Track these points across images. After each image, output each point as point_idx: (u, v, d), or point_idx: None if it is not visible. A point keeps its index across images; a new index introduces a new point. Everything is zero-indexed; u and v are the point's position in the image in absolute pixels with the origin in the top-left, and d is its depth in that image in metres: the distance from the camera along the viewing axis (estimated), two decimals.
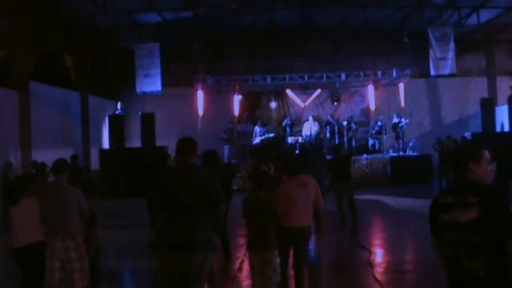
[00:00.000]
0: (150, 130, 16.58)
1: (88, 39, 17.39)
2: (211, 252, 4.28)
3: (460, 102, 20.76)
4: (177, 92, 19.12)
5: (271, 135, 18.72)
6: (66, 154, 11.78)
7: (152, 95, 17.48)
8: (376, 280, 6.30)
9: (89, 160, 17.54)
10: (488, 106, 17.30)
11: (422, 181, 16.27)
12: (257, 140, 18.63)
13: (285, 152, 16.72)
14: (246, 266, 6.43)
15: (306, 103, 19.97)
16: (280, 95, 20.18)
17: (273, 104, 20.28)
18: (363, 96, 19.93)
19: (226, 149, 18.32)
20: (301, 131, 18.92)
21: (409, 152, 18.35)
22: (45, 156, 11.35)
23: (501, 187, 9.17)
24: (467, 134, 16.42)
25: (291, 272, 5.35)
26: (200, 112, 18.39)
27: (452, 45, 17.00)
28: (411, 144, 18.74)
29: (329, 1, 16.62)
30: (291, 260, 5.36)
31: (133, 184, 13.81)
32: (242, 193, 6.80)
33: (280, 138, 18.77)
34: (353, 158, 14.26)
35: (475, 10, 16.77)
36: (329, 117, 19.16)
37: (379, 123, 18.56)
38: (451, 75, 17.58)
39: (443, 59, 17.02)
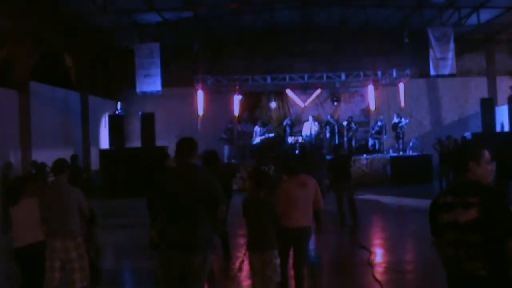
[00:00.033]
0: (150, 130, 16.55)
1: (88, 39, 17.40)
2: (211, 252, 4.28)
3: (460, 102, 20.75)
4: (177, 92, 19.11)
5: (271, 135, 18.70)
6: (66, 154, 11.78)
7: (152, 95, 17.48)
8: (376, 280, 6.30)
9: (89, 160, 17.54)
10: (488, 106, 17.29)
11: (422, 181, 16.24)
12: (257, 140, 18.61)
13: (285, 152, 16.69)
14: (246, 266, 6.44)
15: (306, 103, 19.96)
16: (280, 95, 20.17)
17: (273, 104, 20.27)
18: (363, 96, 19.92)
19: (226, 149, 18.30)
20: (301, 131, 18.90)
21: (409, 152, 18.34)
22: (45, 156, 11.35)
23: (501, 187, 9.15)
24: (467, 134, 16.42)
25: (291, 272, 5.35)
26: (200, 112, 18.38)
27: (452, 45, 17.00)
28: (411, 144, 18.72)
29: (329, 1, 16.62)
30: (291, 260, 5.36)
31: (133, 184, 13.82)
32: (242, 193, 6.81)
33: (280, 138, 18.75)
34: (353, 158, 14.26)
35: (475, 10, 16.77)
36: (329, 117, 19.16)
37: (379, 123, 18.55)
38: (451, 75, 17.57)
39: (443, 59, 17.01)
